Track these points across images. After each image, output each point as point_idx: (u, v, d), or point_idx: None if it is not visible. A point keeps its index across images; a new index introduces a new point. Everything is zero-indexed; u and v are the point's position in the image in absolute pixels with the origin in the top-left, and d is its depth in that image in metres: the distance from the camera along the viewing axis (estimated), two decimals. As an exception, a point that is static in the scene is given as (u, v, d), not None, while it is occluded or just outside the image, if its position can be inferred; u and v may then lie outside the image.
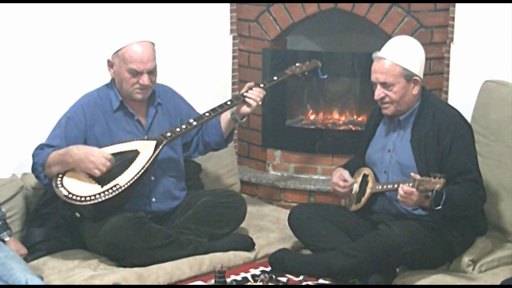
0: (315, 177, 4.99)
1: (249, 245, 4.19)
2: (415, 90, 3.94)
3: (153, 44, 4.06)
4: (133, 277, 3.79)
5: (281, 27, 4.94)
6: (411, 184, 3.67)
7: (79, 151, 3.89)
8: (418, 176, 3.63)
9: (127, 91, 4.05)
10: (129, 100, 4.10)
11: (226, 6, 5.03)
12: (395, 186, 3.83)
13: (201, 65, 4.96)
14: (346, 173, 4.13)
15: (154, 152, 3.97)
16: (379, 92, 3.94)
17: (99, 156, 3.87)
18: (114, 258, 3.93)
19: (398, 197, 3.73)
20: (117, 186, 3.86)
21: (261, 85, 4.25)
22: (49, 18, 4.30)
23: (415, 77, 3.92)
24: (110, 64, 4.07)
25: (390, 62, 3.90)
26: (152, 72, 4.04)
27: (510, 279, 3.53)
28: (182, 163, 4.25)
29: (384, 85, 3.92)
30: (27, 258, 3.88)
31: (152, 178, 4.08)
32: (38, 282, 3.54)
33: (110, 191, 3.84)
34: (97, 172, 3.86)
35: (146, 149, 3.97)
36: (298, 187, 4.92)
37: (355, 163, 4.21)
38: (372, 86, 3.99)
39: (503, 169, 4.13)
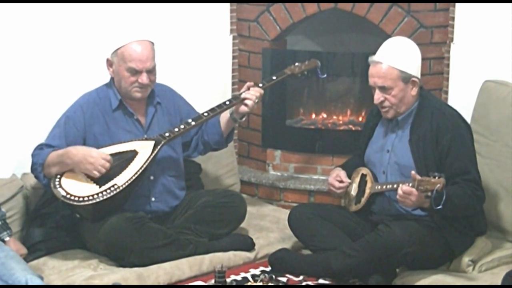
0: (315, 177, 4.99)
1: (249, 245, 4.19)
2: (414, 91, 3.93)
3: (152, 43, 4.06)
4: (133, 277, 3.79)
5: (281, 27, 4.94)
6: (410, 184, 3.67)
7: (78, 152, 3.89)
8: (418, 176, 3.63)
9: (126, 90, 4.05)
10: (128, 100, 4.10)
11: (226, 6, 5.03)
12: (395, 186, 3.83)
13: (201, 65, 4.97)
14: (342, 174, 4.13)
15: (152, 152, 3.97)
16: (378, 96, 3.93)
17: (98, 157, 3.87)
18: (114, 258, 3.93)
19: (397, 197, 3.72)
20: (115, 186, 3.86)
21: (260, 85, 4.26)
22: (49, 18, 4.31)
23: (413, 78, 3.91)
24: (109, 63, 4.07)
25: (387, 66, 3.89)
26: (151, 71, 4.04)
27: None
28: (181, 162, 4.25)
29: (383, 89, 3.91)
30: (27, 258, 3.88)
31: (151, 177, 4.08)
32: (38, 282, 3.54)
33: (108, 191, 3.84)
34: (96, 174, 3.86)
35: (144, 149, 3.98)
36: (298, 187, 4.92)
37: (354, 163, 4.21)
38: (371, 89, 3.99)
39: (503, 169, 4.13)
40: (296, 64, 4.45)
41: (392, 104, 3.92)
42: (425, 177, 3.61)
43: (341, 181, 4.12)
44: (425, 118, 3.91)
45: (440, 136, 3.85)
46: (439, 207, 3.61)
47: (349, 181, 4.11)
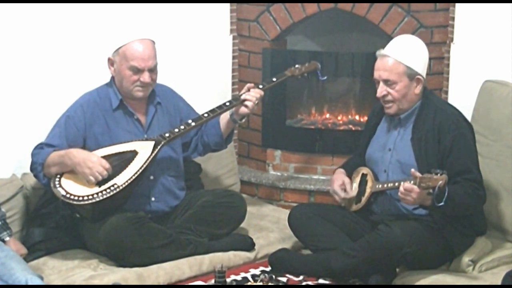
0: (315, 177, 4.99)
1: (249, 245, 4.19)
2: (417, 89, 3.94)
3: (153, 42, 4.07)
4: (133, 277, 3.79)
5: (281, 27, 4.94)
6: (412, 182, 3.67)
7: (78, 154, 3.89)
8: (418, 173, 3.63)
9: (127, 89, 4.05)
10: (129, 99, 4.10)
11: (226, 6, 5.03)
12: (396, 184, 3.83)
13: (201, 65, 4.97)
14: (348, 183, 4.12)
15: (152, 152, 3.97)
16: (381, 90, 3.94)
17: (97, 163, 3.87)
18: (114, 258, 3.93)
19: (399, 194, 3.72)
20: (115, 186, 3.86)
21: (260, 86, 4.26)
22: (49, 18, 4.31)
23: (418, 76, 3.92)
24: (111, 62, 4.07)
25: (394, 60, 3.90)
26: (152, 70, 4.05)
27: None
28: (181, 162, 4.25)
29: (387, 82, 3.92)
30: (27, 258, 3.88)
31: (151, 177, 4.08)
32: (38, 282, 3.54)
33: (108, 190, 3.84)
34: (92, 179, 3.86)
35: (144, 149, 3.98)
36: (298, 187, 4.92)
37: (354, 163, 4.21)
38: (373, 84, 3.99)
39: (503, 169, 4.13)
40: (296, 66, 4.45)
41: (394, 98, 3.92)
42: (427, 174, 3.61)
43: (345, 191, 4.11)
44: (428, 117, 3.91)
45: (442, 135, 3.86)
46: (441, 204, 3.61)
47: (353, 195, 4.11)
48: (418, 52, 3.95)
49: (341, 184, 4.13)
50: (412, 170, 3.68)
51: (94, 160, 3.88)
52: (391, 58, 3.91)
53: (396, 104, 3.94)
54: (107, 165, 3.89)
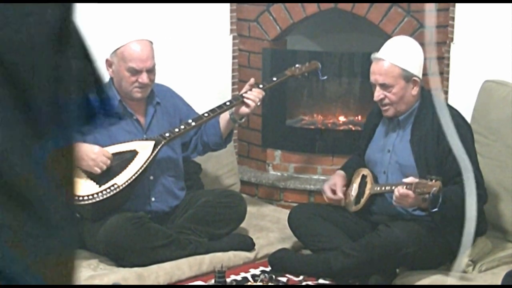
0: (315, 177, 4.99)
1: (249, 245, 4.19)
2: (414, 91, 3.94)
3: (151, 42, 4.07)
4: (133, 277, 3.79)
5: (281, 27, 4.94)
6: (408, 186, 3.67)
7: (79, 149, 3.89)
8: (410, 179, 3.64)
9: (126, 90, 4.05)
10: (128, 100, 4.10)
11: (226, 6, 5.03)
12: (393, 188, 3.82)
13: (201, 65, 4.96)
14: (339, 185, 4.11)
15: (152, 152, 3.97)
16: (378, 94, 3.94)
17: (99, 154, 3.89)
18: (114, 258, 3.93)
19: (394, 198, 3.73)
20: (115, 186, 3.86)
21: (260, 86, 4.26)
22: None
23: (414, 78, 3.91)
24: (109, 64, 4.07)
25: (389, 63, 3.90)
26: (151, 71, 4.04)
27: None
28: (181, 162, 4.25)
29: (383, 86, 3.92)
30: (27, 258, 3.88)
31: (151, 177, 4.09)
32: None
33: (108, 190, 3.85)
34: (97, 170, 3.87)
35: (144, 149, 3.98)
36: (298, 187, 4.92)
37: (355, 163, 4.21)
38: (371, 86, 3.99)
39: (503, 169, 4.12)
40: (297, 65, 4.45)
41: (392, 102, 3.93)
42: (422, 179, 3.62)
43: (334, 192, 4.11)
44: (427, 118, 3.91)
45: (441, 136, 3.86)
46: (435, 210, 3.62)
47: (342, 196, 4.10)
48: (413, 53, 3.95)
49: (332, 184, 4.13)
50: (404, 180, 3.68)
51: (96, 151, 3.89)
52: (386, 62, 3.91)
53: (393, 107, 3.95)
54: (108, 154, 3.90)
